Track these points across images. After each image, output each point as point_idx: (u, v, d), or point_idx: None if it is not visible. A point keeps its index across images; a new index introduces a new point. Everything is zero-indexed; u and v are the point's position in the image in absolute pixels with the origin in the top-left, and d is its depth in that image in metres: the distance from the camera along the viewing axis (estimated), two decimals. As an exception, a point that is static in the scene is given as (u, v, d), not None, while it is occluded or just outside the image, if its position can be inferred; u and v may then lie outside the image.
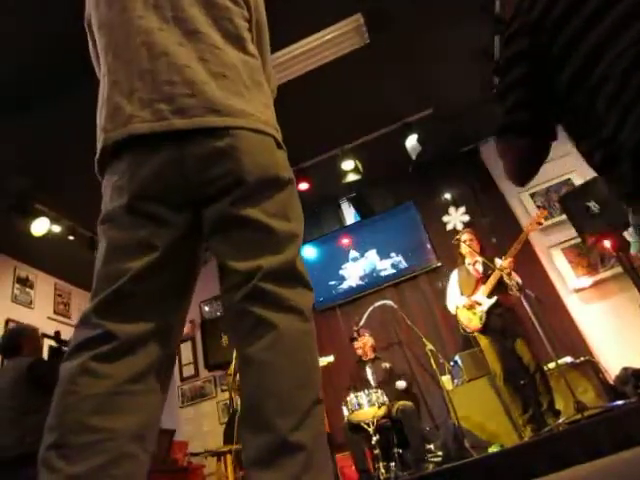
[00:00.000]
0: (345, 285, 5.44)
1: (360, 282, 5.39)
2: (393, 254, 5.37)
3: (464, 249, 3.78)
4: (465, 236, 3.79)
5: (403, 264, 5.29)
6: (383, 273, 5.34)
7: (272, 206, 0.93)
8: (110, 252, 0.91)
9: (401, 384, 3.77)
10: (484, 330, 3.49)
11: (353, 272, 5.47)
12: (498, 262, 3.63)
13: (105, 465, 0.77)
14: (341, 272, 5.51)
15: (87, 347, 0.84)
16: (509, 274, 3.47)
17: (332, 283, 5.48)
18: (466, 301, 3.60)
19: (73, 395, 0.80)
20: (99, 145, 0.98)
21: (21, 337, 3.08)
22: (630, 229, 2.97)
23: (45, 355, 4.03)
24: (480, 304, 3.53)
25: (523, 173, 1.09)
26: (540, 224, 3.68)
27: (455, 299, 3.76)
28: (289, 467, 0.76)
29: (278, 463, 0.76)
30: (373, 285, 5.29)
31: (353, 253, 5.54)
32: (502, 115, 1.03)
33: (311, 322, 0.90)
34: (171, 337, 0.94)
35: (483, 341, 3.54)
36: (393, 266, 5.33)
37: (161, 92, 0.93)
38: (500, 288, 3.50)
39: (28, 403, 2.74)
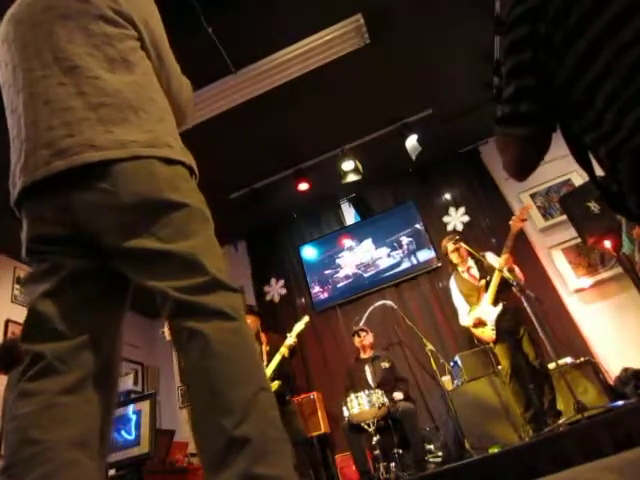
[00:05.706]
0: (341, 274, 5.44)
1: (356, 271, 5.40)
2: (390, 240, 5.40)
3: (453, 259, 3.73)
4: (450, 246, 3.71)
5: (402, 255, 5.29)
6: (379, 262, 5.34)
7: (164, 230, 0.93)
8: (27, 285, 1.00)
9: (398, 395, 3.76)
10: (497, 339, 3.45)
11: (349, 261, 5.48)
12: (491, 258, 3.57)
13: (48, 474, 0.81)
14: (337, 261, 5.52)
15: (22, 375, 0.91)
16: (511, 270, 3.44)
17: (328, 272, 5.50)
18: (472, 321, 3.53)
19: (14, 420, 0.86)
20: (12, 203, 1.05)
21: (17, 349, 3.10)
22: (624, 228, 2.95)
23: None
24: (488, 316, 3.47)
25: (526, 167, 1.03)
26: (525, 220, 3.63)
27: (464, 315, 3.66)
28: (238, 463, 0.77)
29: (228, 461, 0.78)
30: (370, 277, 5.30)
31: (349, 242, 5.56)
32: (503, 102, 0.97)
33: (239, 320, 0.91)
34: (103, 350, 0.97)
35: (495, 345, 3.51)
36: (390, 256, 5.34)
37: (43, 138, 0.97)
38: (504, 290, 3.44)
39: None
